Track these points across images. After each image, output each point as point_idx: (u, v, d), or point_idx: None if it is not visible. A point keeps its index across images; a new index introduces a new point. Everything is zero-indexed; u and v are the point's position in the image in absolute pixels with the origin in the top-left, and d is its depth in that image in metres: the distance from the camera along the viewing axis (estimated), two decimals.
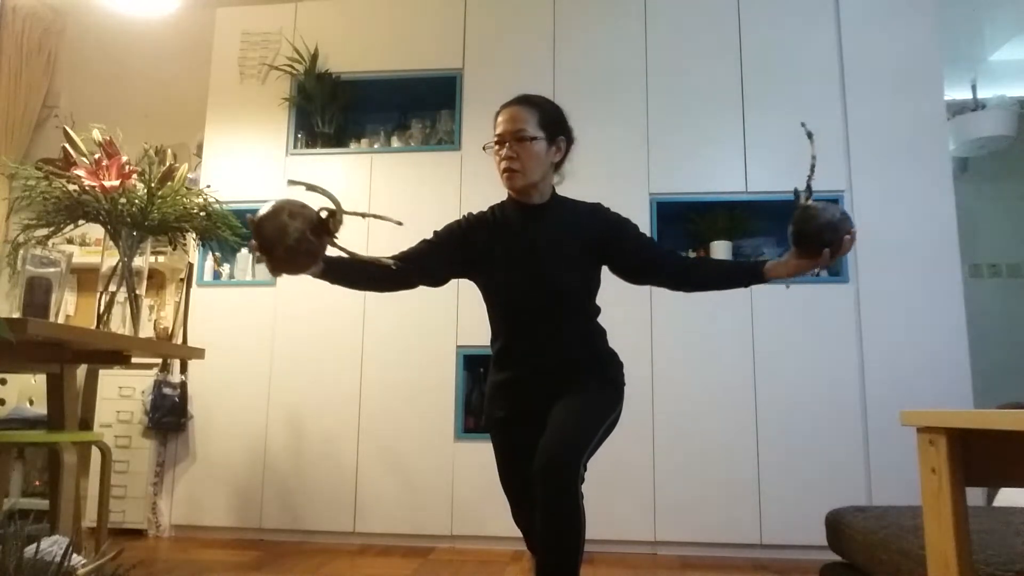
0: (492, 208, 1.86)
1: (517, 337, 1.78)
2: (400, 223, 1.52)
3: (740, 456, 3.01)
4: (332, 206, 1.43)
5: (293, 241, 1.40)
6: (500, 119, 1.75)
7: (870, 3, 3.31)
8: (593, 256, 1.79)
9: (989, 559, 1.06)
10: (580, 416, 1.64)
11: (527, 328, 1.77)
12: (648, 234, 3.19)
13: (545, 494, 1.52)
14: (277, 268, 1.48)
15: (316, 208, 1.45)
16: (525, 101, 1.76)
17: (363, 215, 1.52)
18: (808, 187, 1.59)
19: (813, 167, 1.59)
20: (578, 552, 1.55)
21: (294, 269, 1.49)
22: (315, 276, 1.63)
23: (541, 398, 1.73)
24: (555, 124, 1.77)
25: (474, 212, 1.87)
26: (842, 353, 3.05)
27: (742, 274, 1.74)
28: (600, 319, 1.86)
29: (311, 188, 1.46)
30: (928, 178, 3.14)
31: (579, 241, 1.76)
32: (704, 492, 3.00)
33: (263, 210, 1.42)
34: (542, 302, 1.74)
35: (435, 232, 1.83)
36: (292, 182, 1.50)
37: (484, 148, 1.80)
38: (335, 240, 1.46)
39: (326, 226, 1.44)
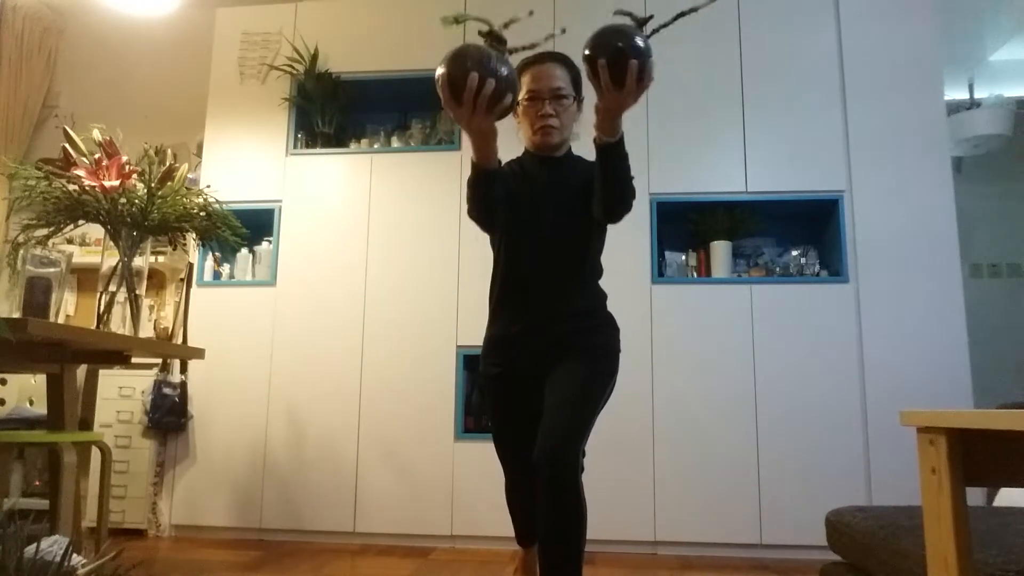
0: (510, 162, 1.85)
1: (517, 287, 1.78)
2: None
3: (740, 456, 3.01)
4: (484, 26, 1.41)
5: (496, 56, 1.34)
6: (533, 75, 1.76)
7: (870, 3, 3.31)
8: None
9: (989, 559, 1.06)
10: (578, 398, 1.65)
11: (527, 277, 1.77)
12: (649, 232, 3.21)
13: (547, 486, 1.55)
14: (505, 91, 1.38)
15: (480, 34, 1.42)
16: (558, 59, 1.78)
17: (509, 22, 1.47)
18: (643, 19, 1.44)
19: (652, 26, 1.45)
20: (581, 539, 1.58)
21: (515, 88, 1.43)
22: (481, 158, 1.57)
23: (537, 357, 1.73)
24: (579, 85, 1.80)
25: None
26: (842, 353, 3.05)
27: (601, 162, 1.64)
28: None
29: (460, 20, 1.43)
30: (928, 178, 3.14)
31: (583, 191, 1.76)
32: (704, 492, 3.00)
33: (446, 59, 1.36)
34: (545, 249, 1.75)
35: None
36: (445, 19, 1.45)
37: (515, 103, 1.72)
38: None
39: (497, 36, 1.40)
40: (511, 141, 1.84)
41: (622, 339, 1.84)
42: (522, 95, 1.76)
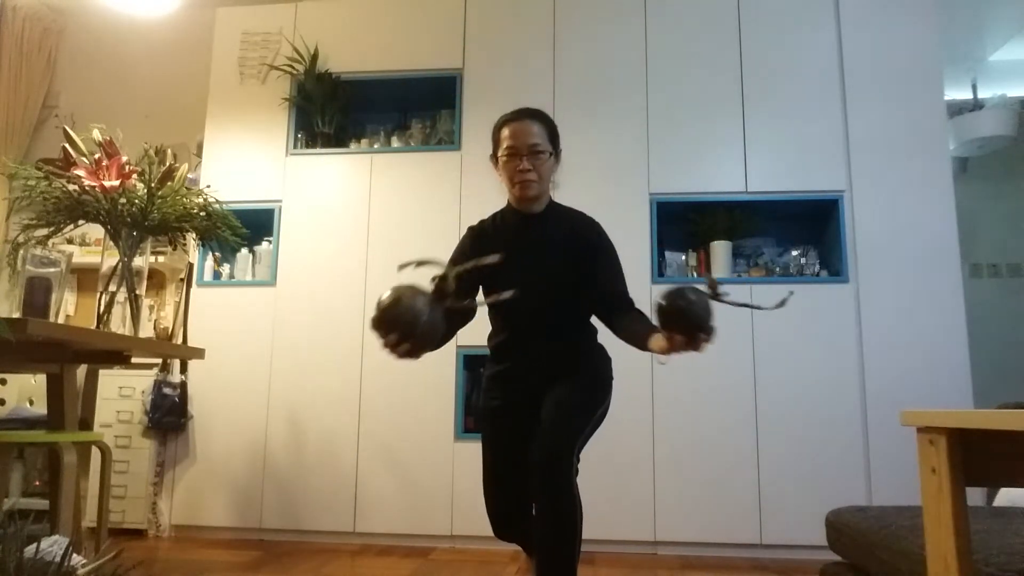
0: (492, 216, 1.95)
1: (515, 334, 1.89)
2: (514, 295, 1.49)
3: (740, 456, 3.01)
4: (440, 271, 1.43)
5: (427, 316, 1.39)
6: (511, 132, 1.82)
7: (870, 3, 3.31)
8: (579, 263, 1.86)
9: (989, 559, 1.06)
10: (571, 410, 1.74)
11: (524, 326, 1.88)
12: (649, 232, 3.20)
13: (543, 485, 1.61)
14: (421, 349, 1.43)
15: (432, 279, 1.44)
16: (534, 116, 1.85)
17: (470, 267, 1.47)
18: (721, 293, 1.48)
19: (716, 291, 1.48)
20: (576, 539, 1.62)
21: (434, 343, 1.46)
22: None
23: (535, 388, 1.84)
24: (556, 139, 1.88)
25: (472, 223, 1.96)
26: (842, 353, 3.04)
27: (640, 341, 1.68)
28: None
29: (420, 263, 1.42)
30: (928, 178, 3.14)
31: (571, 247, 1.85)
32: (704, 492, 3.00)
33: (382, 304, 1.40)
34: (539, 301, 1.82)
35: (452, 261, 1.88)
36: (402, 266, 1.44)
37: (493, 159, 1.89)
38: (453, 300, 1.44)
39: (442, 290, 1.43)
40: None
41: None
42: (501, 151, 1.83)
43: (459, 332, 3.16)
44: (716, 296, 1.47)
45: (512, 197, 1.88)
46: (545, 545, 1.61)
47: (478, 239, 1.90)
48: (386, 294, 1.42)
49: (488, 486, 1.89)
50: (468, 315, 1.77)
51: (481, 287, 1.88)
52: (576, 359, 1.87)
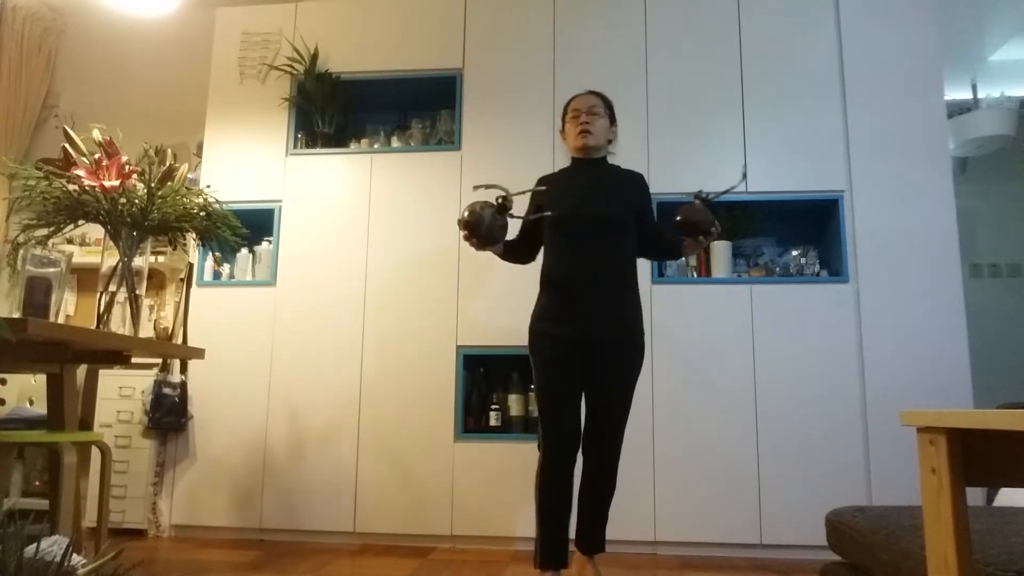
0: (558, 172, 2.45)
1: (575, 259, 2.23)
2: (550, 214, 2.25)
3: (740, 456, 3.01)
4: (503, 193, 2.12)
5: (489, 219, 2.08)
6: (576, 100, 2.39)
7: (870, 3, 3.31)
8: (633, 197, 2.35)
9: (989, 559, 1.06)
10: (623, 414, 2.24)
11: (587, 249, 2.22)
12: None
13: (604, 476, 2.25)
14: (482, 244, 2.15)
15: (495, 198, 2.13)
16: (594, 93, 2.42)
17: (525, 191, 2.25)
18: (708, 195, 2.18)
19: (729, 190, 2.28)
20: (611, 500, 2.30)
21: (492, 242, 2.15)
22: (497, 253, 2.30)
23: (599, 323, 2.20)
24: (612, 111, 2.44)
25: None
26: (842, 353, 3.05)
27: (671, 252, 2.44)
28: None
29: (488, 187, 2.13)
30: (928, 178, 3.14)
31: (626, 191, 2.34)
32: (704, 492, 3.00)
33: (465, 212, 2.11)
34: (601, 225, 2.23)
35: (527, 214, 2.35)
36: (476, 187, 2.19)
37: (561, 133, 2.44)
38: (512, 213, 2.13)
39: (504, 206, 2.12)
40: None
41: None
42: (568, 118, 2.38)
43: (458, 331, 3.20)
44: (706, 201, 2.16)
45: (574, 148, 2.36)
46: (596, 509, 2.27)
47: (543, 184, 2.34)
48: (468, 206, 2.11)
49: (549, 410, 2.18)
50: (532, 242, 2.37)
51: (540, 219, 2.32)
52: (636, 332, 2.25)
